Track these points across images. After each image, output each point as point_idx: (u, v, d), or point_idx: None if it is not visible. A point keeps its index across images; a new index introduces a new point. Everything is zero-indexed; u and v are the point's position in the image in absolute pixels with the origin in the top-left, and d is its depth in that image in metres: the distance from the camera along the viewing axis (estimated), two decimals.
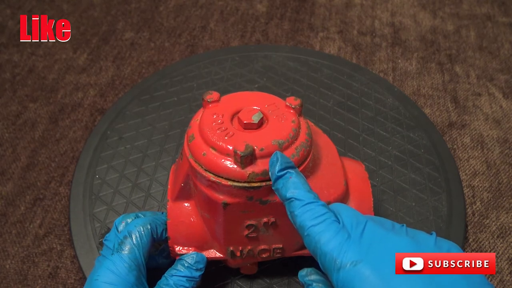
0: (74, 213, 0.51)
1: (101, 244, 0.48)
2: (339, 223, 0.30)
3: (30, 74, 0.70)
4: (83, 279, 0.47)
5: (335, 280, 0.28)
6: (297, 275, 0.45)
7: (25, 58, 0.73)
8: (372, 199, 0.40)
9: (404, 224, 0.31)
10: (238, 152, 0.33)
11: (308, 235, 0.30)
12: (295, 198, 0.31)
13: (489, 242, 0.50)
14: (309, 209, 0.30)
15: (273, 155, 0.34)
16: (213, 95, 0.38)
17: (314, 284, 0.35)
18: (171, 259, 0.42)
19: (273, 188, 0.34)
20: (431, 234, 0.30)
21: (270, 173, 0.34)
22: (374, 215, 0.40)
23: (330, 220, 0.30)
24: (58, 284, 0.47)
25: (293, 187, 0.32)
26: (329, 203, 0.35)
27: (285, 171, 0.33)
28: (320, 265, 0.30)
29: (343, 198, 0.39)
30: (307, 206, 0.31)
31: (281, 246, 0.39)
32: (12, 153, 0.59)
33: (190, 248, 0.39)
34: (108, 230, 0.49)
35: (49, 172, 0.57)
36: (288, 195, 0.32)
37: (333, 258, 0.28)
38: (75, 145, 0.60)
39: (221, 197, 0.35)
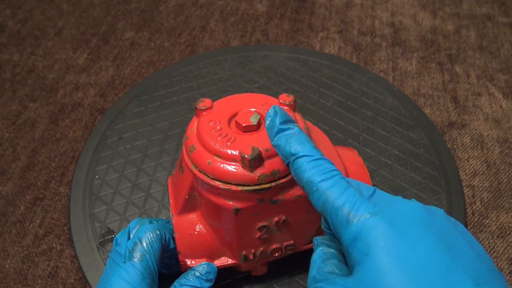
0: (74, 213, 0.51)
1: (101, 244, 0.48)
2: (348, 182, 0.29)
3: (30, 74, 0.70)
4: (83, 279, 0.47)
5: (347, 233, 0.27)
6: (297, 274, 0.45)
7: (25, 58, 0.73)
8: (372, 183, 0.41)
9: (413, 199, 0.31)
10: (246, 156, 0.32)
11: (317, 190, 0.29)
12: (303, 154, 0.30)
13: (489, 242, 0.50)
14: (317, 165, 0.29)
15: (270, 109, 0.32)
16: (205, 102, 0.38)
17: (324, 242, 0.32)
18: (172, 271, 0.42)
19: (272, 143, 0.33)
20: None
21: (267, 127, 0.32)
22: None
23: (340, 176, 0.29)
24: (58, 284, 0.47)
25: (298, 142, 0.30)
26: None
27: (287, 125, 0.31)
28: (328, 220, 0.28)
29: None
30: (315, 161, 0.29)
31: (292, 242, 0.39)
32: (12, 153, 0.59)
33: (202, 260, 0.39)
34: (108, 230, 0.49)
35: (49, 172, 0.57)
36: (294, 151, 0.30)
37: (345, 211, 0.27)
38: (75, 145, 0.60)
39: (232, 203, 0.34)
